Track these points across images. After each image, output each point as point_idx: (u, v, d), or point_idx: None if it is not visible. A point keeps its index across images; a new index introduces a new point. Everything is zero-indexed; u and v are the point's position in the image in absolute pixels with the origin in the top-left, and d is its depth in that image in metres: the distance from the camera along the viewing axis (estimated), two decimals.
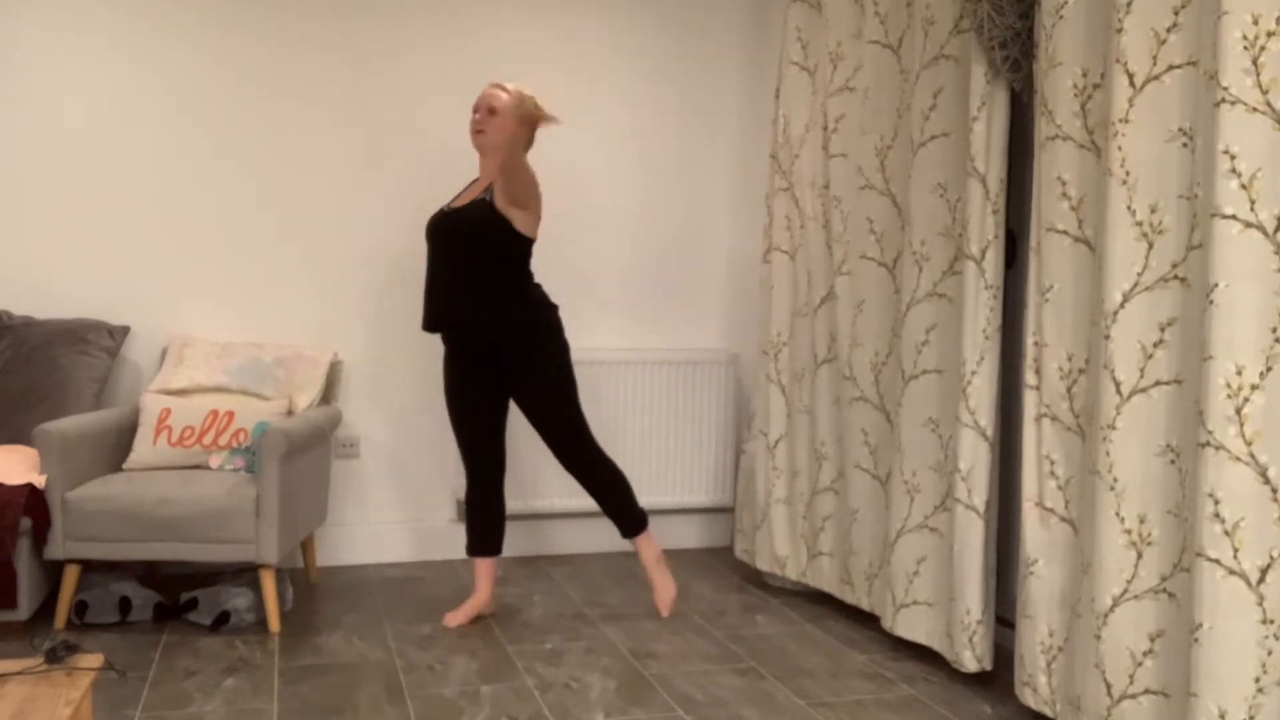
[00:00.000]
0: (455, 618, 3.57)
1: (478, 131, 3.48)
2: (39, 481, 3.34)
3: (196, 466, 3.71)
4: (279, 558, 3.44)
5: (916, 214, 3.29)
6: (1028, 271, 2.86)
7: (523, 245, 3.48)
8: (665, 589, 3.69)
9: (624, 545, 4.56)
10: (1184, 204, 2.39)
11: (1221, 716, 2.20)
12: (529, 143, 3.50)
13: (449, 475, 4.40)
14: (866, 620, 3.69)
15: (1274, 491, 2.18)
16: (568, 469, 3.62)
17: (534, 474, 4.41)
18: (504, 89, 3.48)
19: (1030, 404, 2.79)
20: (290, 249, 4.21)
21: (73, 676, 2.15)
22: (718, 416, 4.59)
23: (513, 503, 4.39)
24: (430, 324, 3.52)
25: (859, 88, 3.64)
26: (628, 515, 3.66)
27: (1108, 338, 2.49)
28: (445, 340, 3.58)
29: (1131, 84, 2.45)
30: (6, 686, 2.09)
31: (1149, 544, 2.43)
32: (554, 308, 3.59)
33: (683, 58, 4.58)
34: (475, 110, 3.50)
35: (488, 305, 3.44)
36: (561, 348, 3.57)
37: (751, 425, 4.15)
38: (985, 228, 3.03)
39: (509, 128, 3.40)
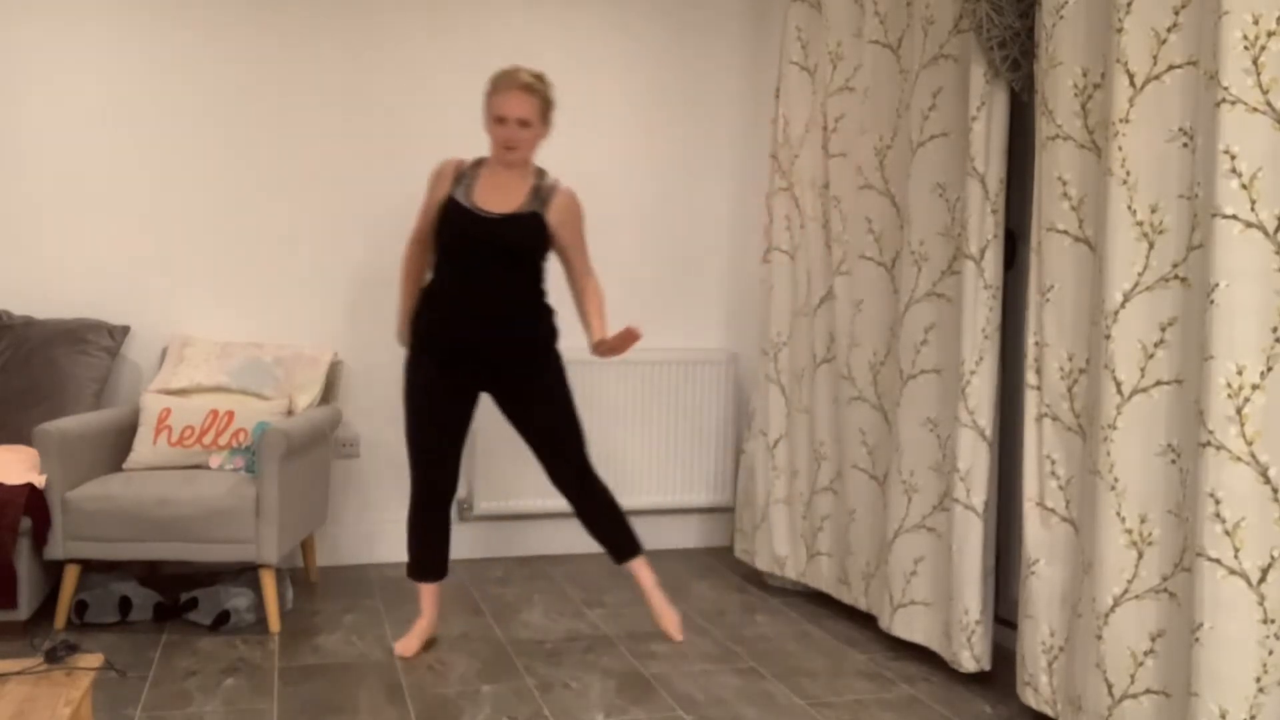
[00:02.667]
0: (409, 646, 3.30)
1: (510, 149, 3.22)
2: (39, 481, 3.34)
3: (196, 466, 3.71)
4: (279, 558, 3.44)
5: (915, 214, 3.29)
6: (1028, 271, 2.86)
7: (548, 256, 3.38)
8: (671, 614, 3.48)
9: None
10: (1184, 204, 2.39)
11: (1222, 716, 2.20)
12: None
13: None
14: (867, 620, 3.69)
15: (1274, 491, 2.18)
16: (570, 488, 3.37)
17: (535, 474, 4.40)
18: (529, 89, 3.19)
19: (1031, 404, 2.79)
20: (290, 249, 4.21)
21: (73, 676, 2.15)
22: (718, 416, 4.59)
23: (514, 503, 4.39)
24: (457, 336, 3.24)
25: (859, 87, 3.64)
26: (628, 537, 3.45)
27: (1108, 337, 2.49)
28: (455, 351, 3.27)
29: (1132, 84, 2.45)
30: (6, 686, 2.09)
31: (1150, 544, 2.44)
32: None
33: (683, 57, 4.58)
34: (499, 120, 3.20)
35: (534, 321, 3.30)
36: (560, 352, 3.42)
37: (751, 425, 4.16)
38: (984, 227, 3.03)
39: (541, 137, 3.28)
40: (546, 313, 3.36)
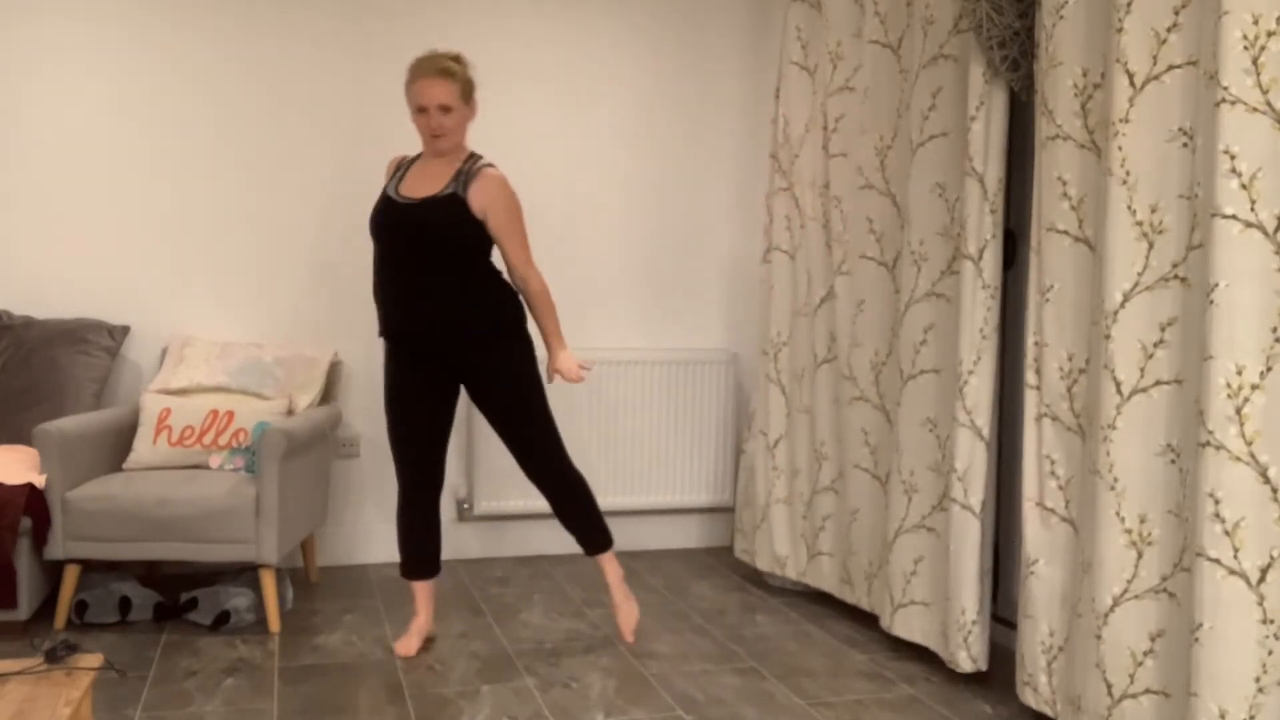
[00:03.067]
0: (409, 645, 3.31)
1: (436, 137, 3.16)
2: (39, 481, 3.34)
3: (196, 466, 3.71)
4: (279, 558, 3.44)
5: (915, 214, 3.29)
6: (1028, 271, 2.86)
7: (488, 238, 3.24)
8: (631, 612, 3.46)
9: (625, 545, 4.56)
10: (1184, 204, 2.39)
11: (1222, 716, 2.20)
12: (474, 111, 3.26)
13: (450, 475, 4.39)
14: (866, 620, 3.69)
15: (1274, 491, 2.18)
16: (536, 477, 3.32)
17: None
18: (445, 73, 3.12)
19: (1031, 404, 2.79)
20: (291, 249, 4.21)
21: (73, 676, 2.15)
22: (718, 416, 4.59)
23: (513, 503, 4.39)
24: (397, 329, 3.22)
25: (859, 87, 3.64)
26: (597, 530, 3.40)
27: (1108, 337, 2.49)
28: (403, 343, 3.25)
29: (1132, 84, 2.45)
30: (6, 686, 2.09)
31: (1149, 544, 2.44)
32: (519, 298, 3.31)
33: (683, 57, 4.58)
34: (420, 109, 3.14)
35: (467, 307, 3.18)
36: (529, 343, 3.30)
37: (751, 425, 4.16)
38: (983, 227, 3.03)
39: (467, 119, 3.21)
40: (490, 297, 3.22)
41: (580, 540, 3.42)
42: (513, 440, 3.31)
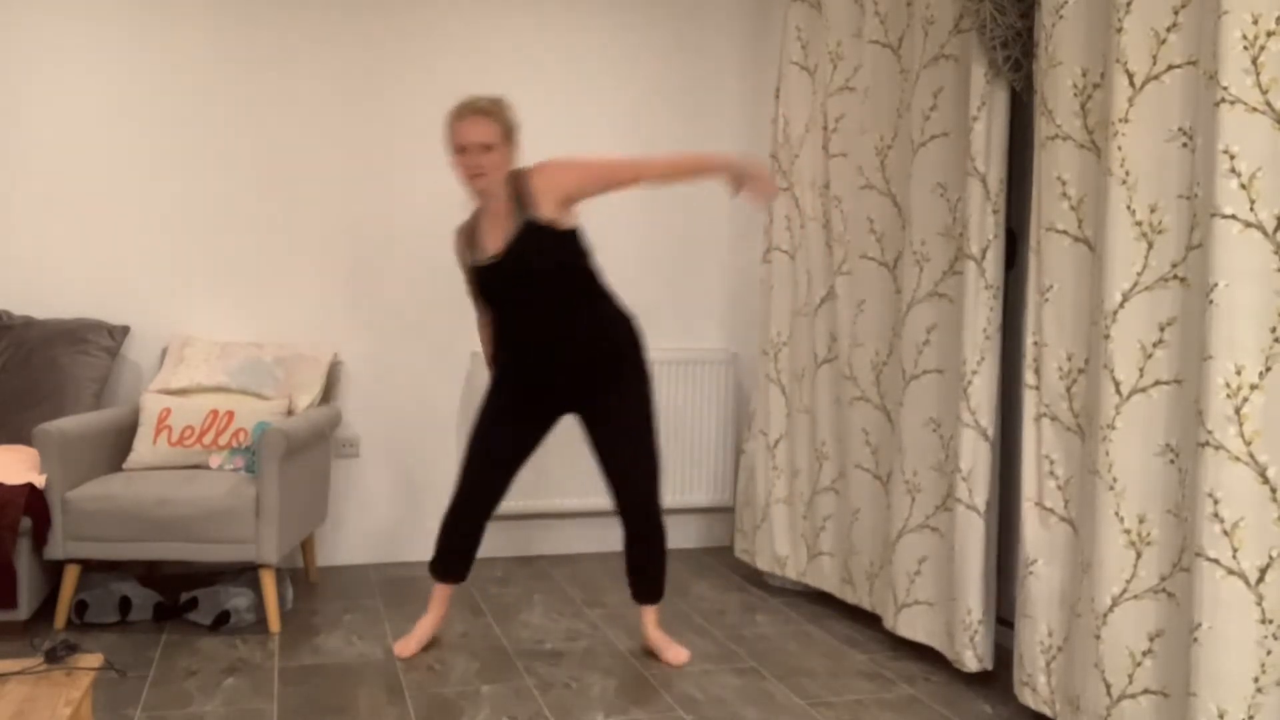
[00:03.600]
0: (408, 646, 3.31)
1: (475, 176, 3.06)
2: (39, 481, 3.34)
3: (196, 466, 3.71)
4: (279, 558, 3.44)
5: (916, 214, 3.29)
6: (1028, 271, 2.86)
7: (586, 244, 3.16)
8: (675, 650, 3.31)
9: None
10: (1184, 204, 2.39)
11: (1221, 716, 2.20)
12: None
13: (449, 474, 4.40)
14: (866, 620, 3.69)
15: (1273, 491, 2.18)
16: (623, 512, 3.21)
17: (533, 474, 4.41)
18: (484, 112, 3.06)
19: (1030, 404, 2.79)
20: (291, 248, 4.21)
21: (73, 676, 2.15)
22: (718, 416, 4.59)
23: (513, 503, 4.39)
24: (546, 379, 3.19)
25: (859, 87, 3.64)
26: (656, 583, 3.31)
27: (1107, 337, 2.49)
28: (525, 387, 3.24)
29: (1131, 84, 2.45)
30: (6, 686, 2.09)
31: (1148, 544, 2.44)
32: (630, 315, 3.26)
33: (682, 57, 4.58)
34: (461, 150, 3.06)
35: (603, 328, 3.14)
36: (646, 369, 3.23)
37: (751, 425, 4.16)
38: (985, 227, 3.03)
39: (509, 161, 3.11)
40: (614, 322, 3.19)
41: (634, 584, 3.32)
42: (613, 468, 3.20)
